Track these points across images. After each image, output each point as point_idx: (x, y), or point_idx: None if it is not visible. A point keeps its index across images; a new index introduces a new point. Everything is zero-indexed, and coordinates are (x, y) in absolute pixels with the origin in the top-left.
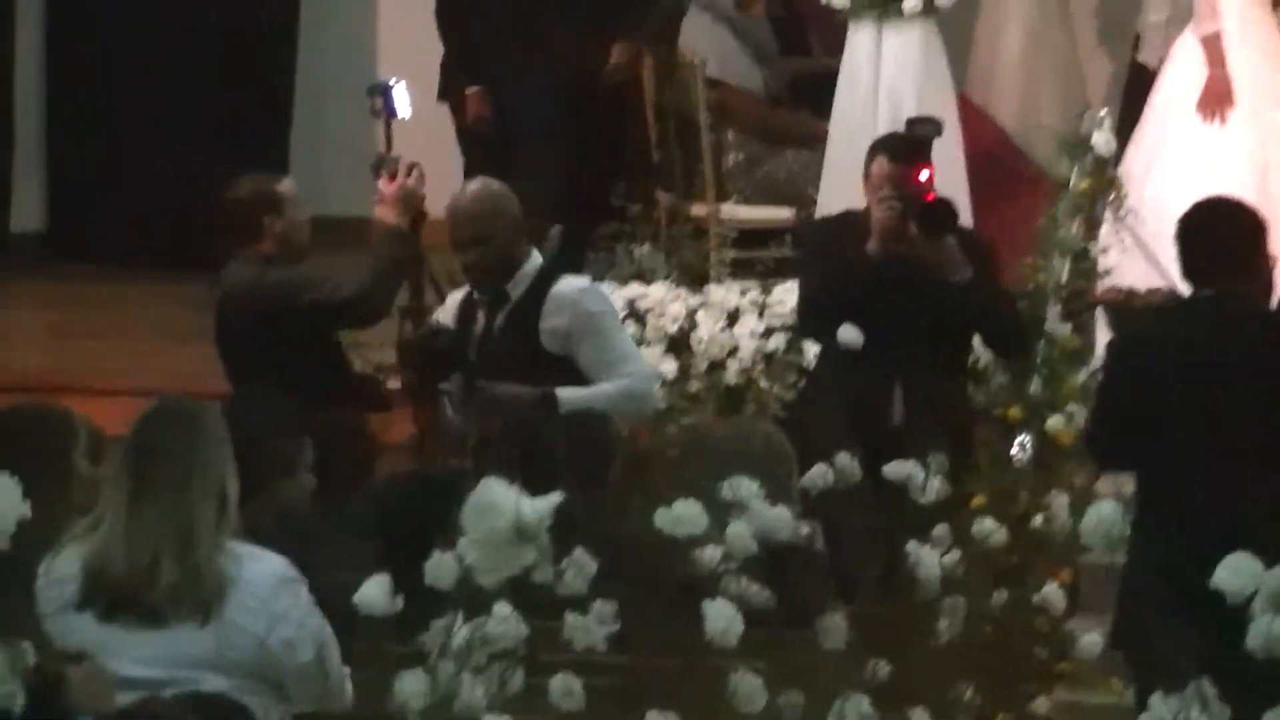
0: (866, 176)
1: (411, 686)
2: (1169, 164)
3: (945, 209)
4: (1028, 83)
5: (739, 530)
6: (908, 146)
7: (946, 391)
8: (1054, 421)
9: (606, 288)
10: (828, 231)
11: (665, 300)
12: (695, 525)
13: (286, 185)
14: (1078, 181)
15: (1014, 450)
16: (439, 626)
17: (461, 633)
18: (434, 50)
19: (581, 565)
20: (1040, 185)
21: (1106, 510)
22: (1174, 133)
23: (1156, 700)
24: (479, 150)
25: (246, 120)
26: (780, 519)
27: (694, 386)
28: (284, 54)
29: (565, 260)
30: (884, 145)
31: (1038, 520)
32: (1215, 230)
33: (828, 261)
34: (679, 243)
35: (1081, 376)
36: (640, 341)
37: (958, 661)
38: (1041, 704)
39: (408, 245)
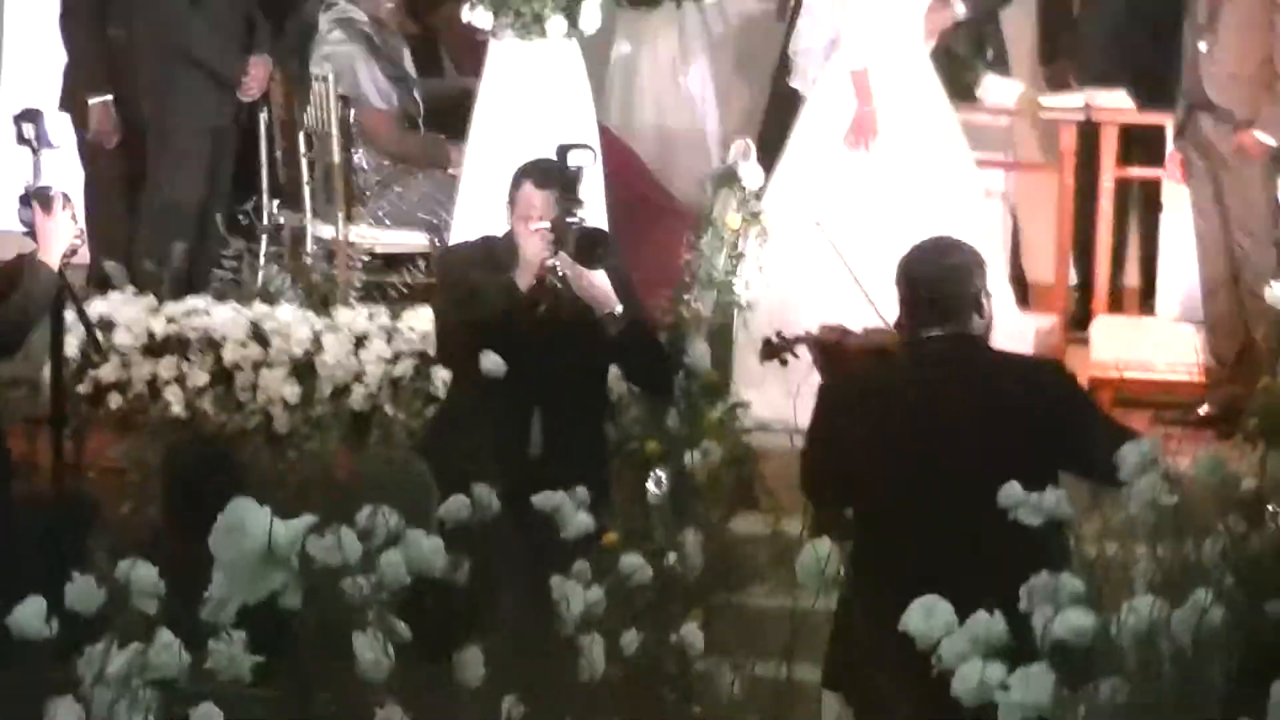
0: (512, 202)
1: (64, 715)
2: (812, 195)
3: (599, 239)
4: (665, 110)
5: (392, 560)
6: (559, 174)
7: (586, 424)
8: (692, 457)
9: (228, 309)
10: (467, 258)
11: (292, 323)
12: (350, 554)
13: None
14: (724, 214)
15: (650, 485)
16: (94, 652)
17: (119, 659)
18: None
19: (227, 592)
20: (678, 215)
21: (822, 549)
22: (818, 164)
23: None
24: (102, 161)
25: None
26: (434, 549)
27: (318, 411)
28: None
29: (188, 279)
30: (532, 171)
31: (671, 558)
32: (940, 272)
33: (468, 289)
34: (307, 265)
35: (718, 412)
36: (264, 364)
37: (596, 701)
38: None
39: (55, 282)
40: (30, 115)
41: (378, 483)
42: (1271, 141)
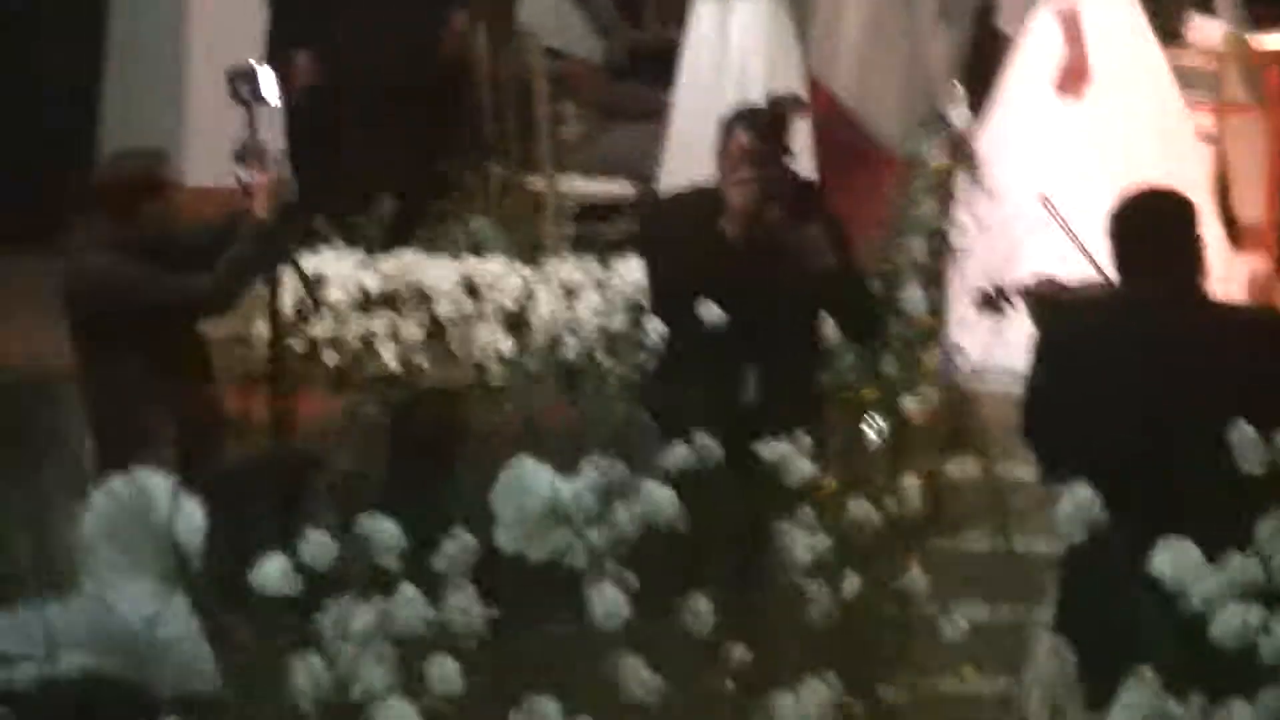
0: (723, 151)
1: (306, 670)
2: (1023, 144)
3: (809, 192)
4: (869, 57)
5: (627, 511)
6: (770, 121)
7: (800, 373)
8: (908, 402)
9: (441, 262)
10: (678, 209)
11: (503, 275)
12: (586, 505)
13: (168, 167)
14: (934, 158)
15: (867, 431)
16: (336, 608)
17: (364, 615)
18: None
19: (463, 545)
20: (883, 162)
21: (1082, 495)
22: (1029, 111)
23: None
24: (307, 115)
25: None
26: (667, 499)
27: (532, 365)
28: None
29: (396, 232)
30: (744, 119)
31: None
32: (1153, 222)
33: (679, 240)
34: (516, 216)
35: (935, 356)
36: (477, 317)
37: (821, 648)
38: (888, 691)
39: (271, 241)
40: (245, 72)
41: (602, 432)
42: None
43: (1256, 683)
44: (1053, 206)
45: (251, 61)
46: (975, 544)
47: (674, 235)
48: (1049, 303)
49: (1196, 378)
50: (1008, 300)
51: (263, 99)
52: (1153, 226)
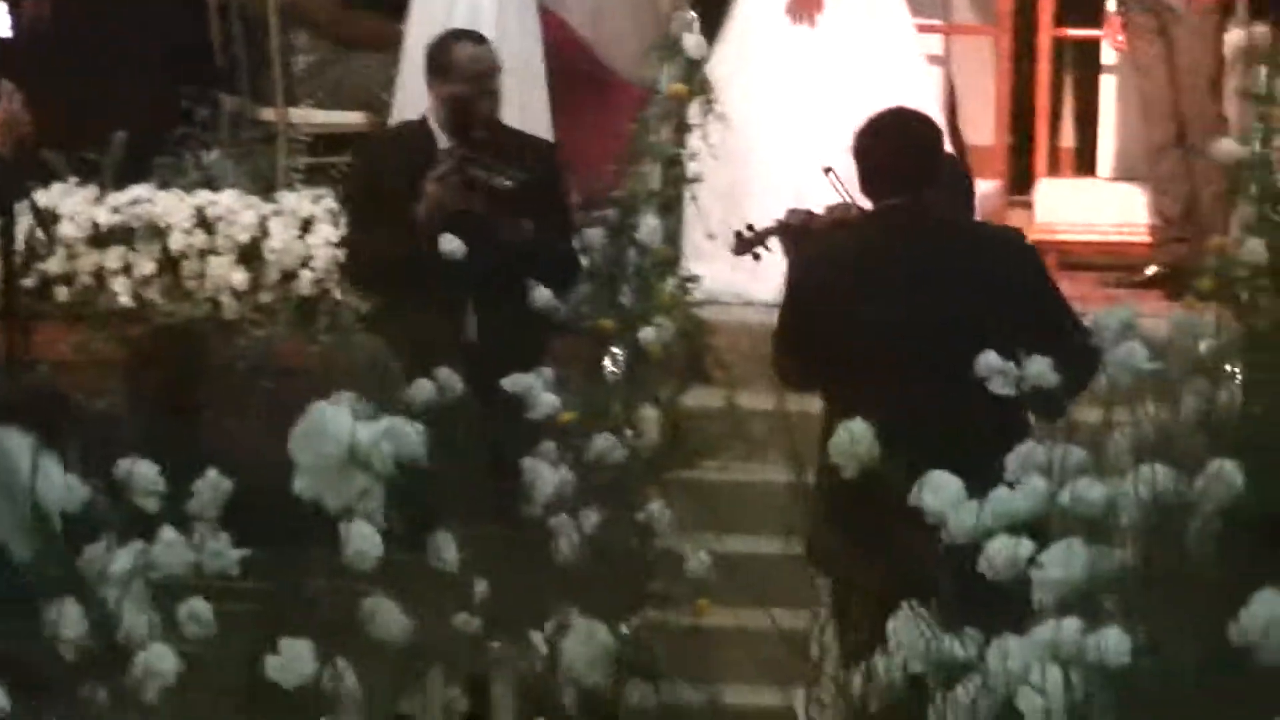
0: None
1: (67, 614)
2: (756, 70)
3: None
4: None
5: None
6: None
7: (517, 311)
8: (646, 333)
9: (172, 196)
10: (391, 145)
11: (236, 208)
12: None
13: None
14: (669, 86)
15: (606, 363)
16: (94, 551)
17: (122, 558)
18: None
19: (215, 486)
20: (621, 90)
21: (858, 429)
22: (761, 37)
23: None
24: (39, 49)
25: None
26: (417, 435)
27: (266, 298)
28: None
29: (130, 167)
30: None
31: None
32: (898, 143)
33: (394, 176)
34: (249, 149)
35: (670, 286)
36: (210, 251)
37: (566, 582)
38: (631, 624)
39: (9, 171)
40: None
41: (344, 368)
42: None
43: (1030, 616)
44: (836, 178)
45: None
46: (714, 475)
47: (389, 170)
48: (802, 233)
49: (947, 296)
50: (763, 241)
51: None
52: (898, 148)
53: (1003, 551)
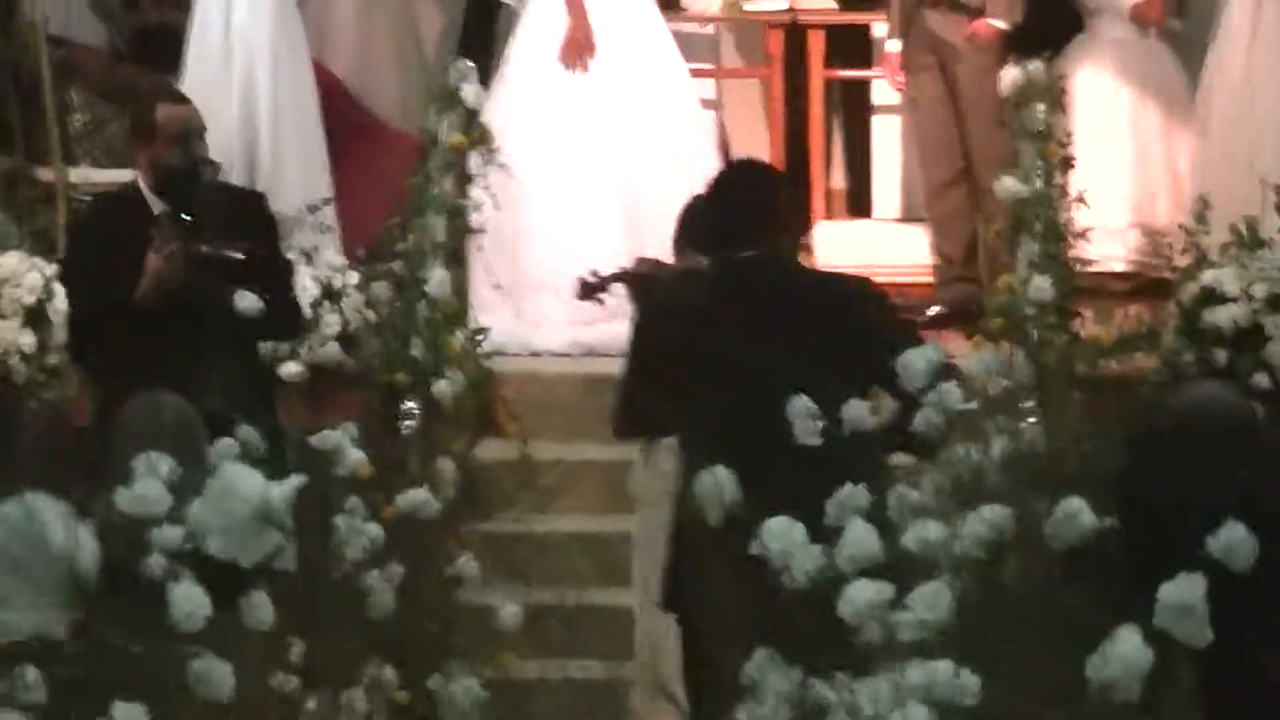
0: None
1: None
2: (531, 117)
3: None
4: (363, 34)
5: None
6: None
7: (251, 366)
8: (439, 387)
9: None
10: (105, 213)
11: (20, 270)
12: (158, 505)
13: None
14: (450, 137)
15: (402, 418)
16: None
17: None
18: None
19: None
20: (394, 140)
21: (722, 475)
22: (536, 85)
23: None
24: None
25: None
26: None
27: (54, 359)
28: None
29: None
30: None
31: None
32: (749, 194)
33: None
34: (30, 209)
35: (459, 338)
36: None
37: (376, 637)
38: (435, 681)
39: None
40: None
41: (145, 428)
42: (1003, 24)
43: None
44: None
45: None
46: (507, 525)
47: (103, 241)
48: (648, 281)
49: (790, 340)
50: (605, 288)
51: None
52: (750, 199)
53: (864, 594)
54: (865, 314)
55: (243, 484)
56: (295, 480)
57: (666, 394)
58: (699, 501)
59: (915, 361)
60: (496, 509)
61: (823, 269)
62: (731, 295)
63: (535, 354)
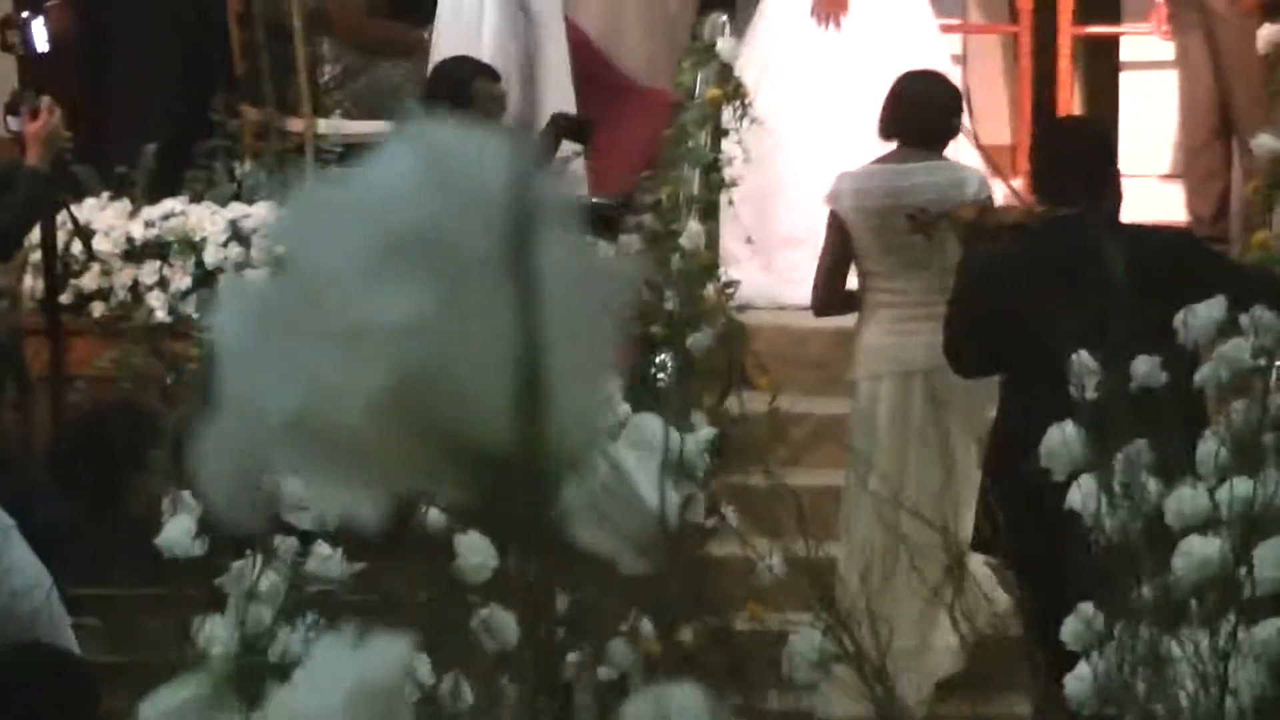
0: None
1: (217, 632)
2: (783, 74)
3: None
4: None
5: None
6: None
7: None
8: (694, 340)
9: (205, 209)
10: None
11: (270, 220)
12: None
13: None
14: (704, 90)
15: (655, 370)
16: (240, 567)
17: (271, 575)
18: None
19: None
20: (646, 95)
21: (1070, 432)
22: (787, 39)
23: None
24: (67, 62)
25: None
26: None
27: None
28: None
29: (162, 180)
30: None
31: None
32: (1075, 148)
33: None
34: (280, 160)
35: (710, 291)
36: (245, 265)
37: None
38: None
39: (48, 186)
40: (14, 21)
41: None
42: None
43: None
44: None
45: (24, 13)
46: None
47: None
48: (972, 225)
49: (1118, 297)
50: (935, 224)
51: (33, 47)
52: (1078, 153)
53: (1203, 549)
54: (1206, 265)
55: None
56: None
57: (988, 335)
58: (1044, 457)
59: (1201, 315)
60: (747, 462)
61: (1150, 225)
62: (1056, 247)
63: (783, 308)
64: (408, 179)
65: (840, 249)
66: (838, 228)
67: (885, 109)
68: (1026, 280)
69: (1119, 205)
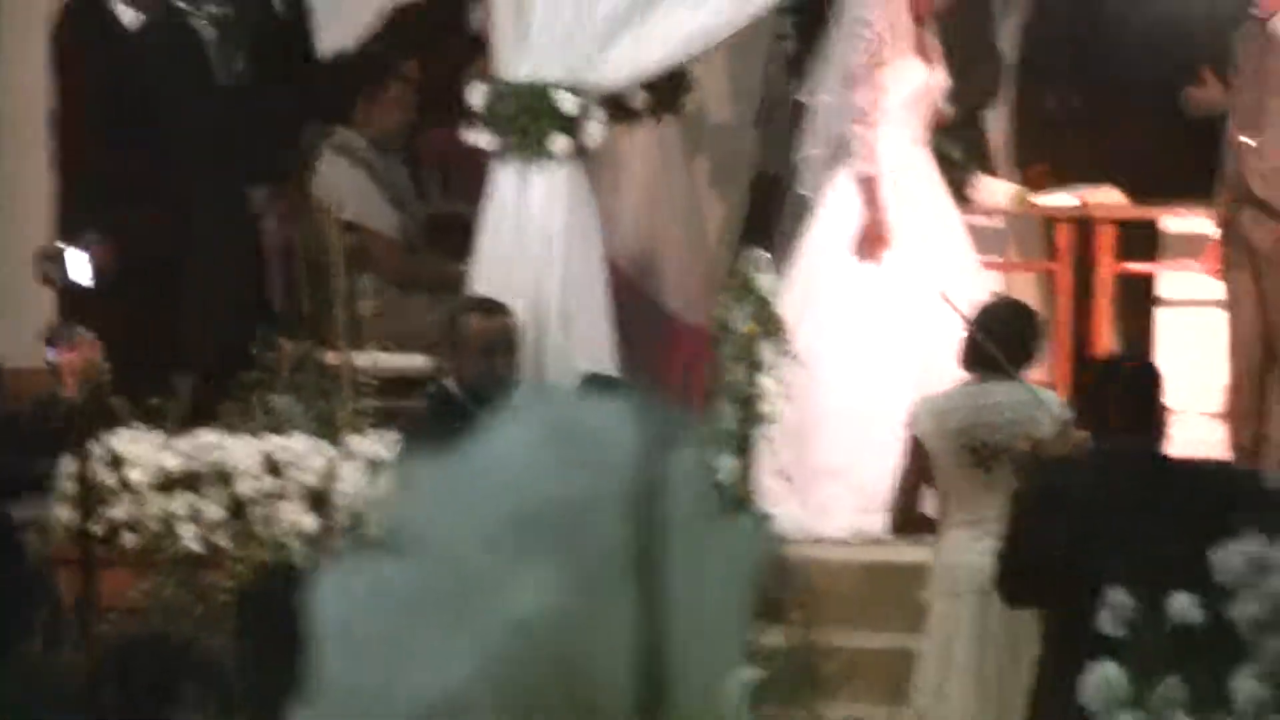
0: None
1: None
2: (828, 308)
3: None
4: (650, 226)
5: None
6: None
7: None
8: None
9: (241, 441)
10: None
11: (305, 453)
12: None
13: None
14: (742, 325)
15: None
16: None
17: None
18: None
19: None
20: (685, 331)
21: (1112, 673)
22: (828, 274)
23: None
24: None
25: None
26: None
27: (336, 543)
28: None
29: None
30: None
31: None
32: (1130, 386)
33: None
34: (317, 393)
35: (748, 524)
36: (279, 496)
37: None
38: None
39: (83, 418)
40: (52, 254)
41: None
42: None
43: None
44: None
45: (59, 244)
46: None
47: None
48: (1028, 458)
49: (1167, 531)
50: (995, 457)
51: (71, 280)
52: (1142, 393)
53: None
54: (1241, 505)
55: None
56: None
57: (1042, 568)
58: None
59: (1233, 555)
60: (780, 697)
61: (1199, 460)
62: (1110, 481)
63: (818, 541)
64: (534, 452)
65: (919, 471)
66: (917, 451)
67: (967, 342)
68: (1078, 517)
69: (1161, 440)
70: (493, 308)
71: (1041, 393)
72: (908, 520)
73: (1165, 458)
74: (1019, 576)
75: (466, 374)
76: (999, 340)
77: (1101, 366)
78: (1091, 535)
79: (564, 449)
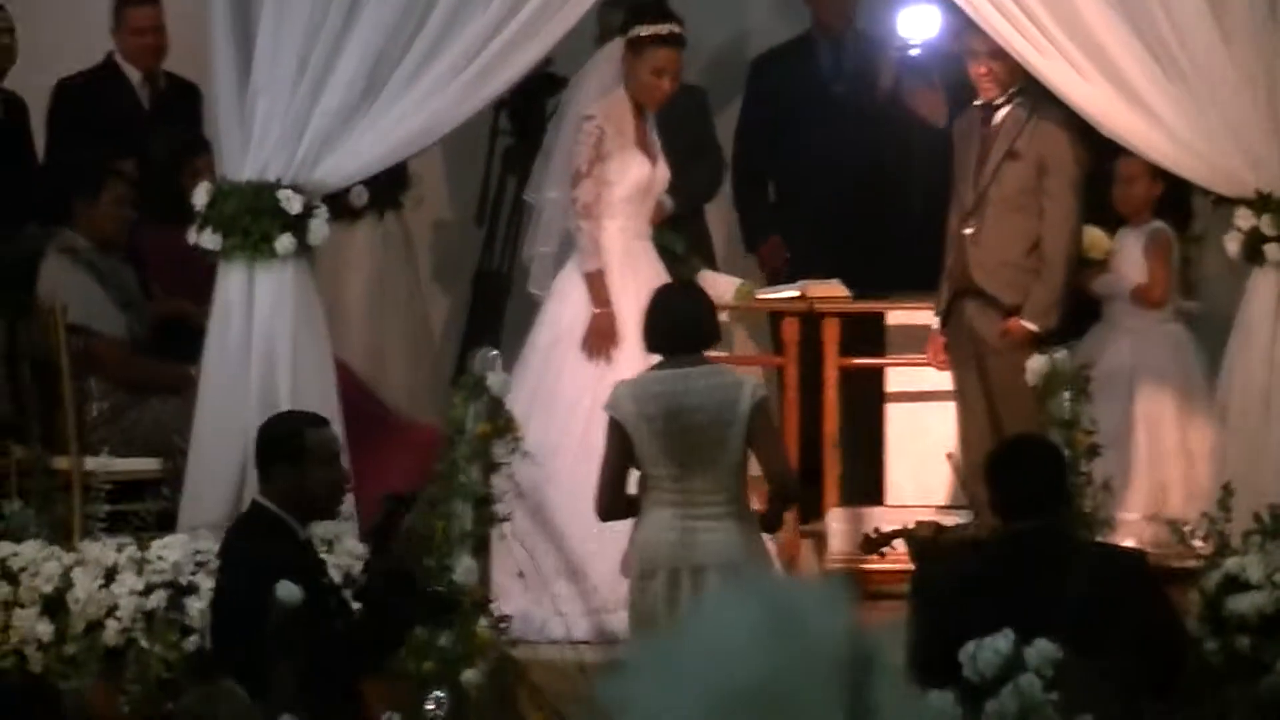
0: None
1: None
2: (557, 403)
3: None
4: (374, 327)
5: None
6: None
7: None
8: (468, 676)
9: None
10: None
11: (38, 559)
12: None
13: None
14: (475, 424)
15: (429, 707)
16: None
17: None
18: None
19: None
20: (401, 429)
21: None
22: (558, 371)
23: None
24: None
25: None
26: None
27: (72, 649)
28: None
29: None
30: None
31: None
32: (1031, 466)
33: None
34: (48, 498)
35: (485, 624)
36: (14, 604)
37: None
38: None
39: None
40: None
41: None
42: (1035, 328)
43: None
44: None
45: None
46: None
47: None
48: (927, 544)
49: (1066, 611)
50: (888, 543)
51: None
52: (1037, 472)
53: None
54: (1135, 588)
55: None
56: None
57: (949, 651)
58: None
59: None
60: None
61: (1100, 542)
62: (1012, 563)
63: (554, 642)
64: (747, 632)
65: (622, 454)
66: (619, 435)
67: (644, 327)
68: (982, 599)
69: (1065, 520)
70: (320, 419)
71: (740, 375)
72: (615, 506)
73: (1067, 539)
74: (928, 669)
75: (311, 484)
76: (671, 326)
77: (1011, 447)
78: (1004, 621)
79: (776, 626)
